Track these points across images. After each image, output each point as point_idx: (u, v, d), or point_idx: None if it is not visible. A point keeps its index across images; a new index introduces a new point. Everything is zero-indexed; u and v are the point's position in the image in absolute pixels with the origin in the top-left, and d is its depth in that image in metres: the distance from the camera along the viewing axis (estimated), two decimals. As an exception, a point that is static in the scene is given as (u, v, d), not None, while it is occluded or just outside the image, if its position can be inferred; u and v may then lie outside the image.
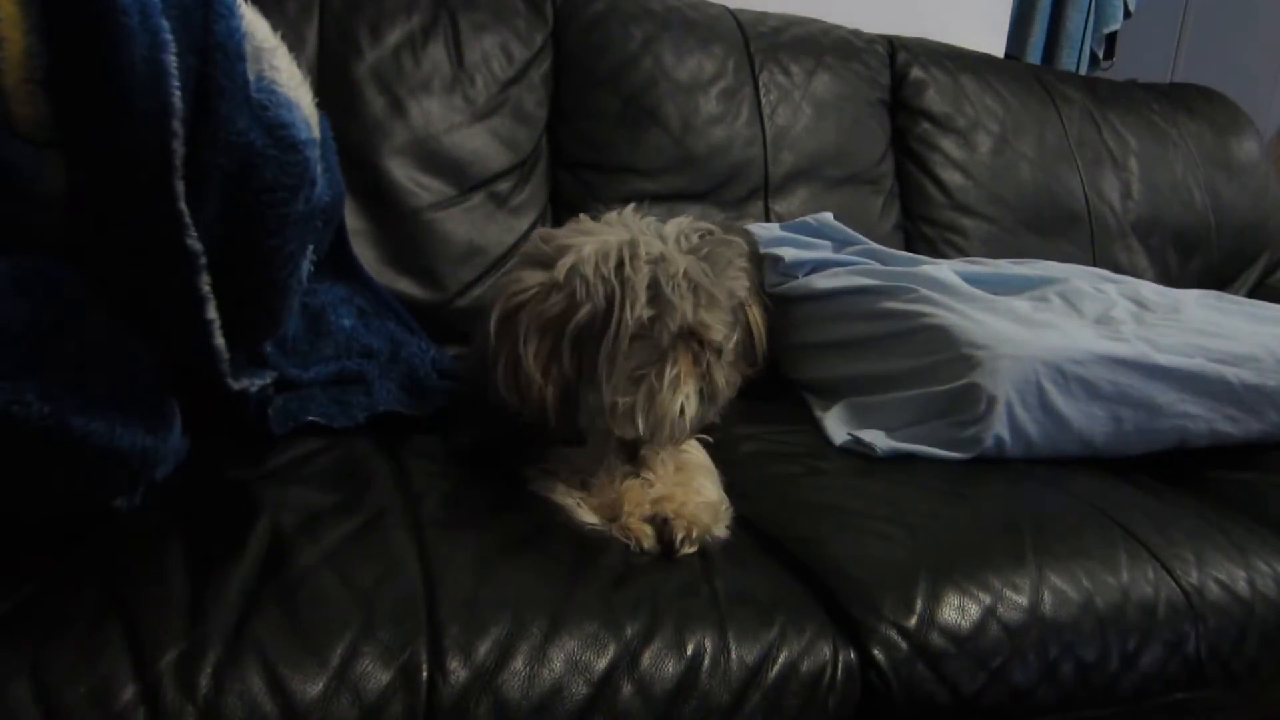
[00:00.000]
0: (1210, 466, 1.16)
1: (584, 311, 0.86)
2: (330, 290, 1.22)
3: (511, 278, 0.92)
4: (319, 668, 0.65)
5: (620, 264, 0.87)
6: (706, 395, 0.92)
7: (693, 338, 0.91)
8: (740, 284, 0.96)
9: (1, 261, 0.64)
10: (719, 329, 0.92)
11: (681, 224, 0.95)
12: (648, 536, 0.83)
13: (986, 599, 0.82)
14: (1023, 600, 0.83)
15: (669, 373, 0.89)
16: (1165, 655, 0.86)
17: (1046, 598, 0.84)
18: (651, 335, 0.88)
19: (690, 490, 0.89)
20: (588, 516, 0.88)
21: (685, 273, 0.89)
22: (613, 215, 0.96)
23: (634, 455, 0.96)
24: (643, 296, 0.86)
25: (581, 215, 0.98)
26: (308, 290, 1.14)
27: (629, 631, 0.72)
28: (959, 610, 0.81)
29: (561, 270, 0.87)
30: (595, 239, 0.90)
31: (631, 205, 0.97)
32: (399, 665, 0.66)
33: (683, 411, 0.90)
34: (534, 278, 0.89)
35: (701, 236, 0.94)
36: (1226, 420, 1.14)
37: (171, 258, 0.74)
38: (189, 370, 0.84)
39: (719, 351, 0.93)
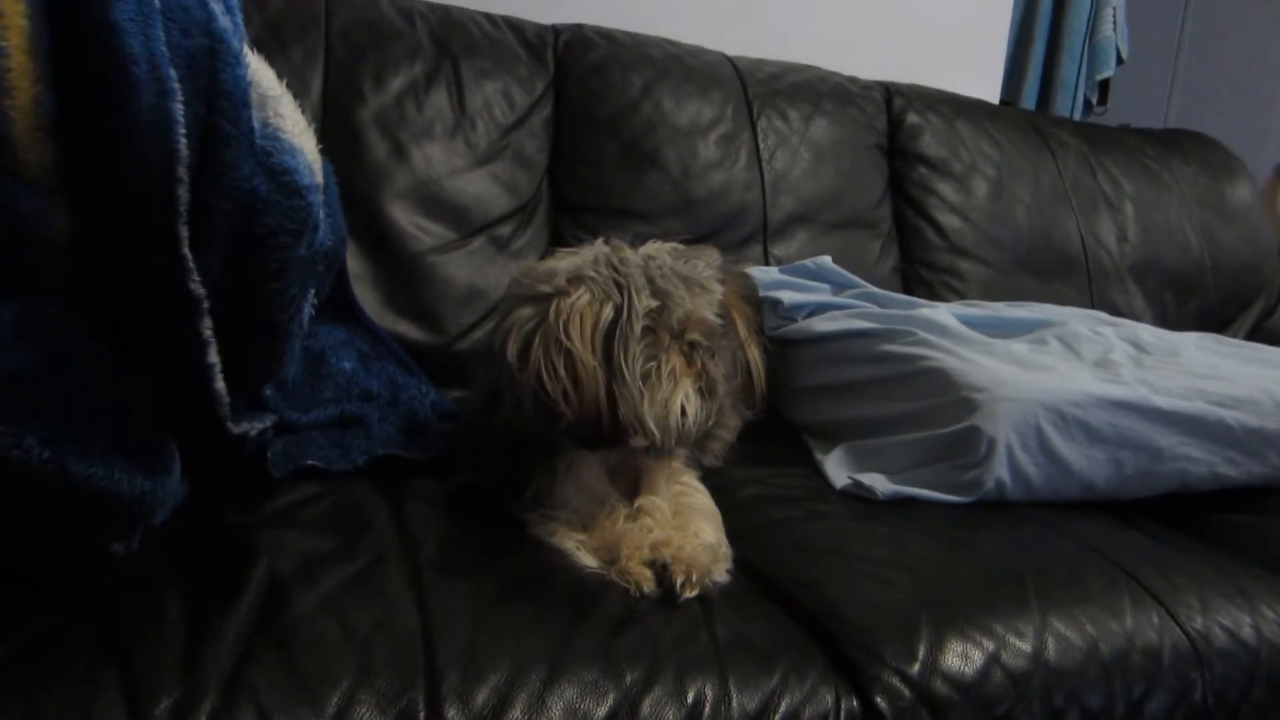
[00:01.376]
0: (1213, 510, 1.16)
1: (608, 307, 0.88)
2: (331, 333, 1.23)
3: (514, 314, 0.92)
4: (315, 716, 0.64)
5: (613, 265, 0.91)
6: (706, 392, 0.93)
7: (684, 338, 0.93)
8: (715, 283, 0.98)
9: (5, 306, 0.65)
10: (712, 318, 0.95)
11: (652, 244, 0.97)
12: (648, 580, 0.83)
13: (990, 645, 0.81)
14: (1026, 646, 0.82)
15: (665, 368, 0.90)
16: (1172, 702, 0.85)
17: (1050, 644, 0.83)
18: (656, 328, 0.90)
19: (688, 533, 0.89)
20: (587, 559, 0.88)
21: (673, 267, 0.92)
22: (584, 246, 0.98)
23: (634, 496, 0.96)
24: (646, 287, 0.89)
25: (557, 249, 1.00)
26: (309, 333, 1.15)
27: (628, 679, 0.71)
28: (962, 657, 0.80)
29: (562, 280, 0.89)
30: (577, 257, 0.93)
31: (602, 238, 0.98)
32: (396, 713, 0.65)
33: (684, 411, 0.91)
34: (537, 298, 0.91)
35: (671, 251, 0.97)
36: (1227, 463, 1.14)
37: (174, 302, 0.74)
38: (189, 413, 0.84)
39: (711, 351, 0.94)
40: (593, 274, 0.90)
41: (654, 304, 0.90)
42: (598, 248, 0.95)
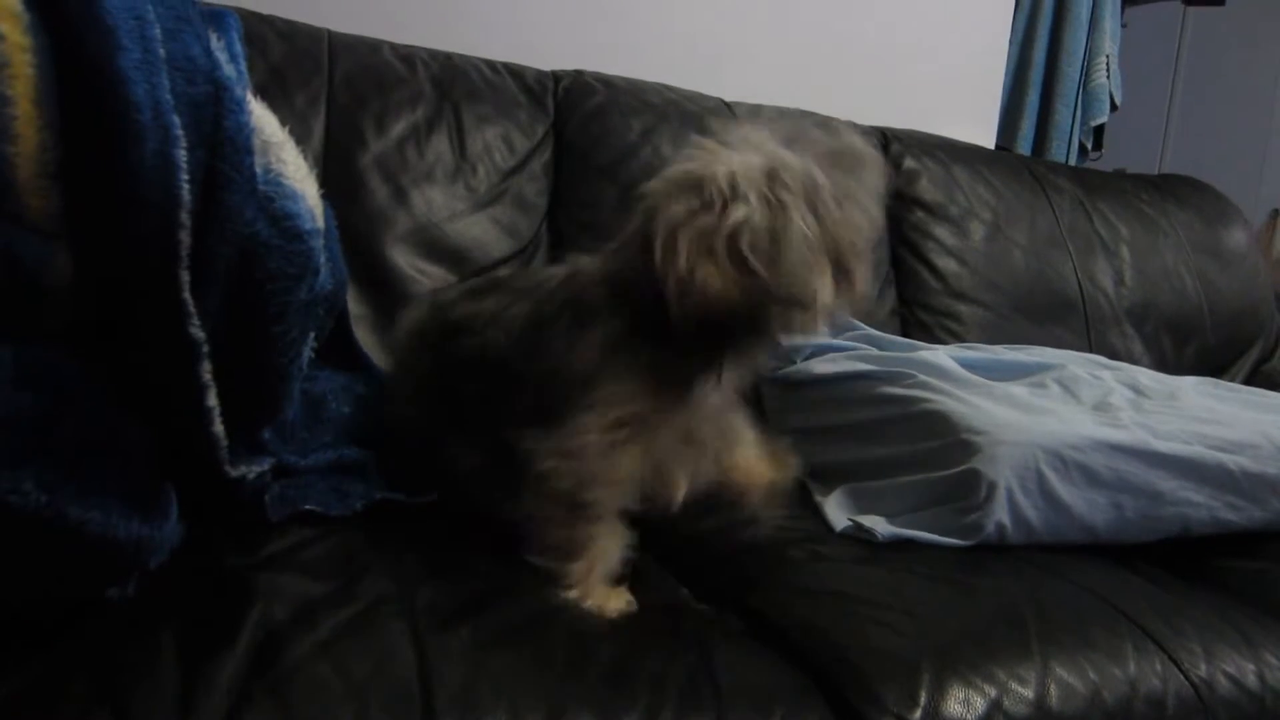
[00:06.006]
0: (1215, 555, 1.15)
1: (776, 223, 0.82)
2: (331, 377, 1.23)
3: (670, 209, 0.83)
4: (310, 764, 0.63)
5: (776, 183, 0.83)
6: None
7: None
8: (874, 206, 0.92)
9: (5, 351, 0.65)
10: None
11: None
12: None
13: (991, 691, 0.81)
14: (1028, 693, 0.82)
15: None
16: (1176, 751, 0.84)
17: (1053, 690, 0.82)
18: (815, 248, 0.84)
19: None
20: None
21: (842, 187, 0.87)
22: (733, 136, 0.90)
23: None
24: (809, 214, 0.83)
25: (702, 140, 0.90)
26: (308, 376, 1.15)
27: (627, 725, 0.71)
28: (964, 703, 0.79)
29: (716, 183, 0.82)
30: (738, 159, 0.85)
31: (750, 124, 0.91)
32: (392, 761, 0.64)
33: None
34: (690, 196, 0.83)
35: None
36: (1228, 508, 1.14)
37: (173, 346, 0.74)
38: (187, 456, 0.84)
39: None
40: (761, 188, 0.82)
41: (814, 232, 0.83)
42: (757, 148, 0.87)
